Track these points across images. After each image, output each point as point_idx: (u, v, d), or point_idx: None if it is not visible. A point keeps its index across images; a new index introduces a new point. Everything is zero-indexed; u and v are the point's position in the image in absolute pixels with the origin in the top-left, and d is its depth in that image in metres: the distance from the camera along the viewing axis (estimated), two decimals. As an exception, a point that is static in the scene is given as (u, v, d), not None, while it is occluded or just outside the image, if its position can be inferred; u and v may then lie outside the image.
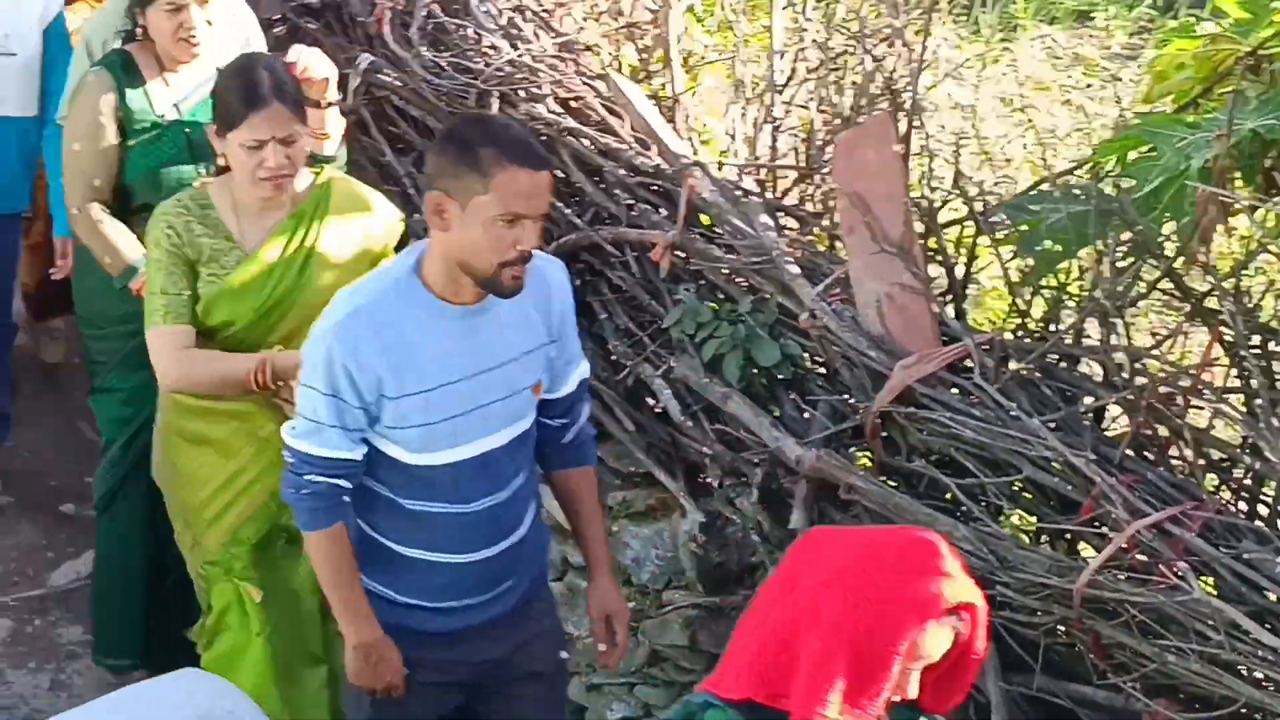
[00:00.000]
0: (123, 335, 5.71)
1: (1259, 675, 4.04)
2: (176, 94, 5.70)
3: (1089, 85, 10.54)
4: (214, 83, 5.22)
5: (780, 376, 5.26)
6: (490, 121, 4.55)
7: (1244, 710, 4.08)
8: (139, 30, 5.65)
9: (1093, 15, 11.54)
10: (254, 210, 5.06)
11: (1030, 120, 7.88)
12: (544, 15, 6.78)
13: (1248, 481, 4.69)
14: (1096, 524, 4.42)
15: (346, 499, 4.35)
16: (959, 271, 5.34)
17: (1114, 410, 4.87)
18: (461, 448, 4.29)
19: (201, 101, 5.58)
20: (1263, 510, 4.63)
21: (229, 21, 5.98)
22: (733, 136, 6.26)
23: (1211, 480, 4.67)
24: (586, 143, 6.09)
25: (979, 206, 5.25)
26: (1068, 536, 4.63)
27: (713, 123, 6.81)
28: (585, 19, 6.92)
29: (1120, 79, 10.08)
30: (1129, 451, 4.57)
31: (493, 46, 6.56)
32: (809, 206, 5.89)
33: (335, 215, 5.14)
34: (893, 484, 4.89)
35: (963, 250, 5.38)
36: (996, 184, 6.15)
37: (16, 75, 6.56)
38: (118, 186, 5.69)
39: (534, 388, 4.43)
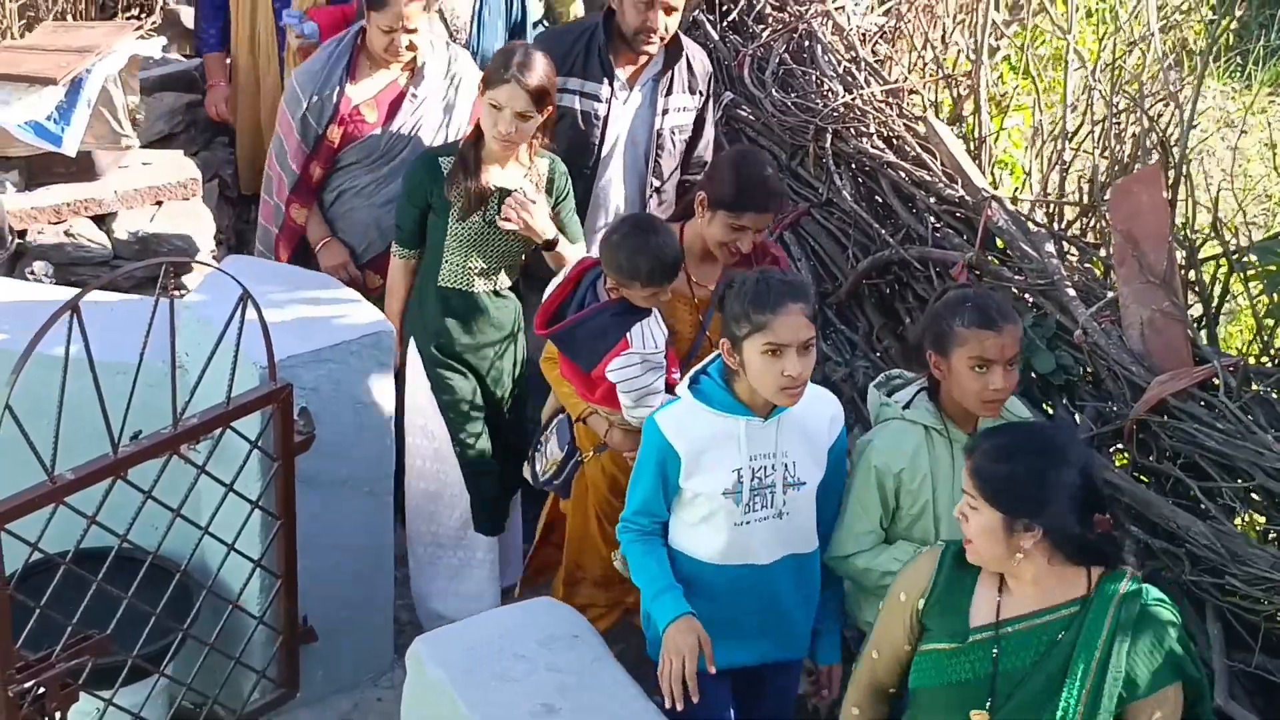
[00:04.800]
0: None
1: None
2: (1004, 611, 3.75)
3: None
4: None
5: (1054, 382, 5.11)
6: None
7: None
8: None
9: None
10: None
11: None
12: (875, 65, 6.71)
13: None
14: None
15: None
16: (1213, 302, 5.17)
17: (1342, 429, 4.68)
18: None
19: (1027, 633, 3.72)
20: None
21: None
22: (1028, 173, 6.15)
23: None
24: (903, 175, 6.01)
25: (1233, 248, 5.09)
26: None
27: (1019, 154, 6.68)
28: (910, 68, 6.84)
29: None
30: (1352, 467, 4.39)
31: (831, 91, 6.50)
32: (1090, 238, 5.74)
33: None
34: (1144, 481, 4.75)
35: (1218, 284, 5.19)
36: (1255, 220, 5.92)
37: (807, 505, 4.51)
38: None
39: None
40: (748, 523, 4.38)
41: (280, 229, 6.16)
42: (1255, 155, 9.59)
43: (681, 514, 4.45)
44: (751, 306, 4.19)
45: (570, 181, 5.70)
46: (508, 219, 5.42)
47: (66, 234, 6.62)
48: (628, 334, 5.04)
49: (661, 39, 5.87)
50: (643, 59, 5.97)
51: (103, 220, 6.77)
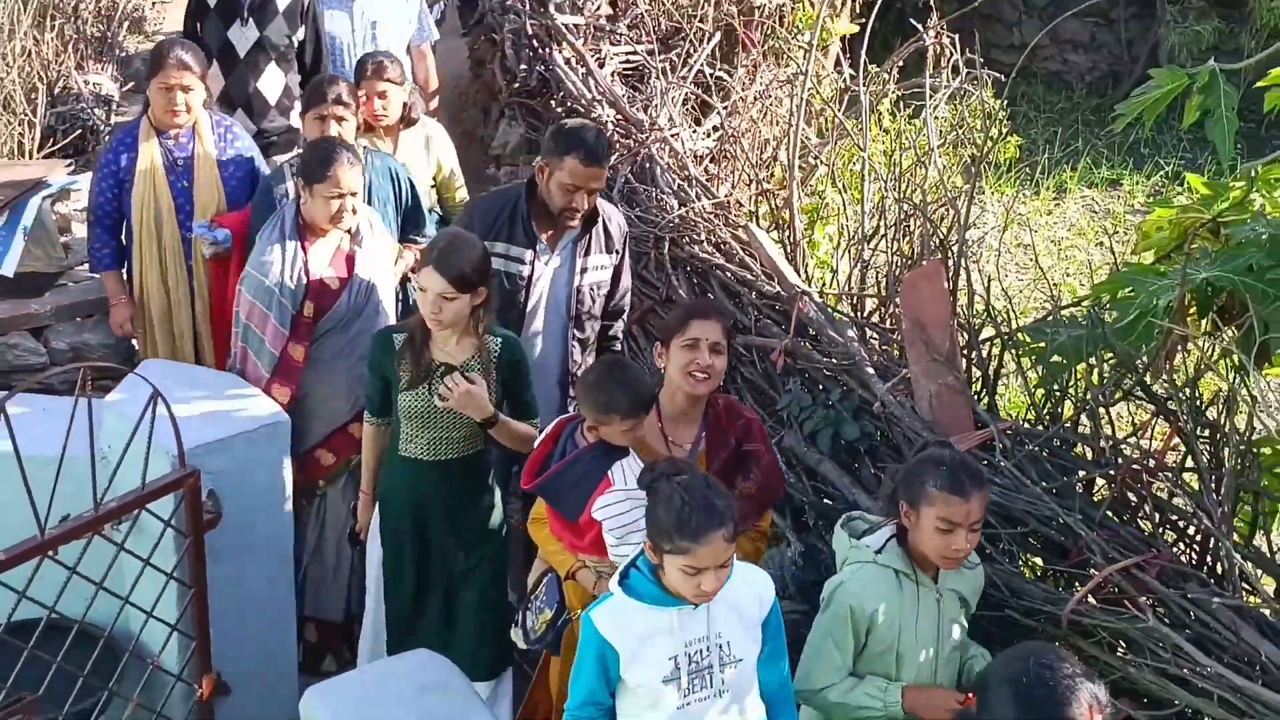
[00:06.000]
0: None
1: (1196, 685, 3.90)
2: None
3: (1116, 232, 10.41)
4: None
5: (859, 448, 5.12)
6: None
7: (1186, 711, 3.93)
8: None
9: (1121, 182, 11.59)
10: None
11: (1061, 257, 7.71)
12: (705, 182, 6.75)
13: (1197, 538, 4.52)
14: (1086, 567, 4.30)
15: None
16: (990, 375, 5.22)
17: (1099, 482, 4.72)
18: None
19: None
20: (1208, 560, 4.47)
21: None
22: (835, 271, 6.21)
23: (1169, 536, 4.50)
24: (730, 275, 6.03)
25: (1005, 329, 5.15)
26: (1065, 575, 4.51)
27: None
28: (735, 185, 6.89)
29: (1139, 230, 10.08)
30: (1108, 513, 4.43)
31: (669, 205, 6.53)
32: (888, 324, 5.79)
33: None
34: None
35: (993, 360, 5.24)
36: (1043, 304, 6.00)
37: (747, 678, 4.06)
38: None
39: None
40: (688, 704, 3.96)
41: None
42: (1044, 250, 9.99)
43: (625, 703, 4.02)
44: (675, 531, 3.77)
45: (526, 360, 5.15)
46: (444, 397, 4.87)
47: (7, 345, 6.50)
48: (609, 472, 4.51)
49: (582, 213, 5.47)
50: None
51: (40, 332, 6.65)
